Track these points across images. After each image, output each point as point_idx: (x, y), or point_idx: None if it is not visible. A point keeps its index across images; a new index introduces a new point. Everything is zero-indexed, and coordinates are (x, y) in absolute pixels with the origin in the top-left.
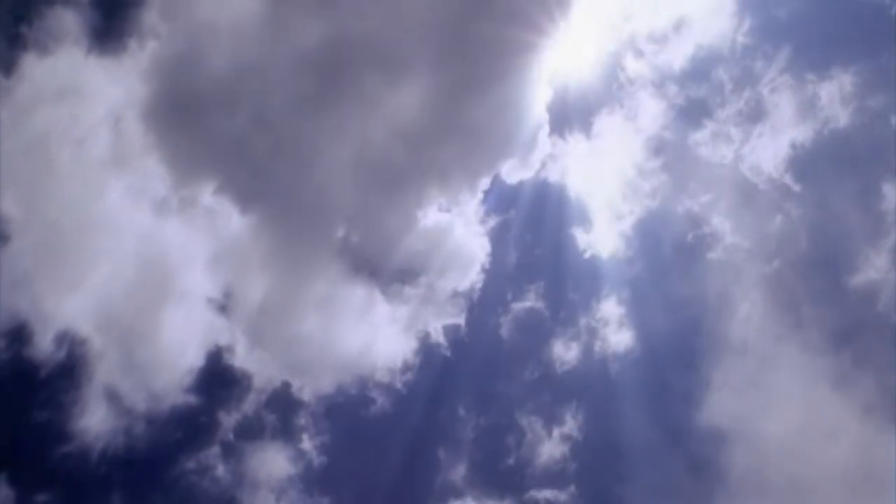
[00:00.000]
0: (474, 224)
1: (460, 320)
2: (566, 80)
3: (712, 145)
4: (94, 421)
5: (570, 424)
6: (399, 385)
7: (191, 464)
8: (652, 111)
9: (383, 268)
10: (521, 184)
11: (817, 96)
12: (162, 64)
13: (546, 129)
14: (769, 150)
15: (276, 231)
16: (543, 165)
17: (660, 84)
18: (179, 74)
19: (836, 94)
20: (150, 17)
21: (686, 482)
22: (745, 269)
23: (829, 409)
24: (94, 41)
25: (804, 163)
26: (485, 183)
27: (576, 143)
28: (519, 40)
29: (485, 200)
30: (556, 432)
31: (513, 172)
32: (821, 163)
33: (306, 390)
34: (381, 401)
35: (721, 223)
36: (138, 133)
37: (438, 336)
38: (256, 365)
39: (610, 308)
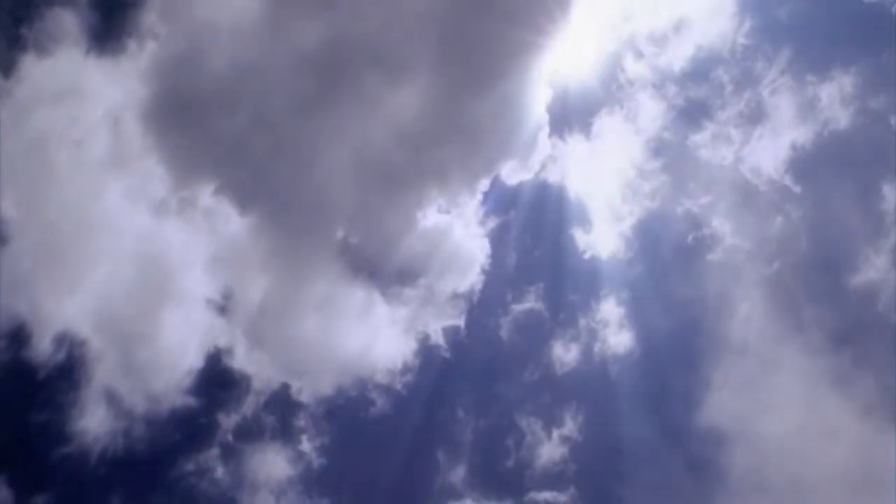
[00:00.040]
0: (474, 225)
1: (460, 322)
2: (566, 80)
3: (712, 146)
4: (93, 422)
5: (570, 426)
6: (398, 386)
7: (190, 465)
8: (652, 112)
9: (383, 269)
10: (520, 185)
11: (817, 97)
12: (161, 65)
13: (546, 129)
14: (769, 151)
15: (276, 232)
16: (543, 166)
17: (660, 85)
18: (179, 75)
19: (836, 96)
20: (150, 17)
21: (686, 483)
22: (746, 270)
23: (829, 410)
24: (93, 42)
25: (804, 164)
26: (484, 184)
27: (575, 144)
28: (519, 40)
29: (484, 201)
30: (555, 434)
31: (512, 173)
32: (821, 164)
33: (306, 392)
34: (380, 402)
35: (721, 224)
36: (137, 134)
37: (438, 337)
38: (256, 366)
39: (610, 309)
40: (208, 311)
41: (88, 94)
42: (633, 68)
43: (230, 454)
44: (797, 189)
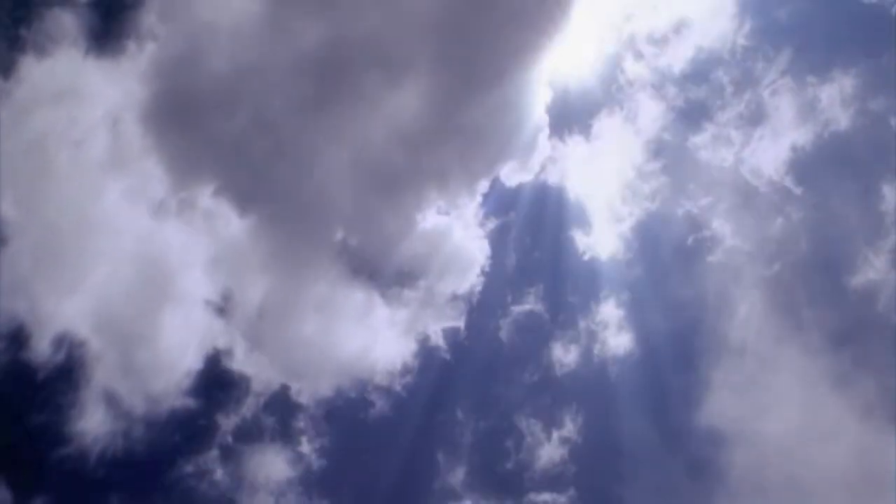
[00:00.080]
0: (473, 227)
1: (460, 323)
2: (566, 81)
3: (712, 148)
4: (92, 423)
5: (570, 427)
6: (398, 388)
7: (189, 467)
8: (652, 113)
9: (382, 271)
10: (520, 186)
11: (818, 98)
12: (160, 65)
13: (546, 131)
14: (770, 152)
15: (275, 233)
16: (543, 167)
17: (660, 86)
18: (178, 76)
19: (836, 97)
20: (149, 18)
21: (686, 484)
22: (746, 271)
23: (828, 410)
24: (92, 43)
25: (805, 165)
26: (484, 185)
27: (575, 146)
28: (519, 41)
29: (484, 203)
30: (555, 435)
31: (512, 175)
32: (821, 165)
33: (305, 393)
34: (380, 404)
35: (721, 226)
36: (137, 135)
37: (438, 339)
38: (255, 368)
39: (609, 310)
40: (208, 313)
41: (88, 94)
42: (633, 69)
43: (229, 455)
44: (797, 190)
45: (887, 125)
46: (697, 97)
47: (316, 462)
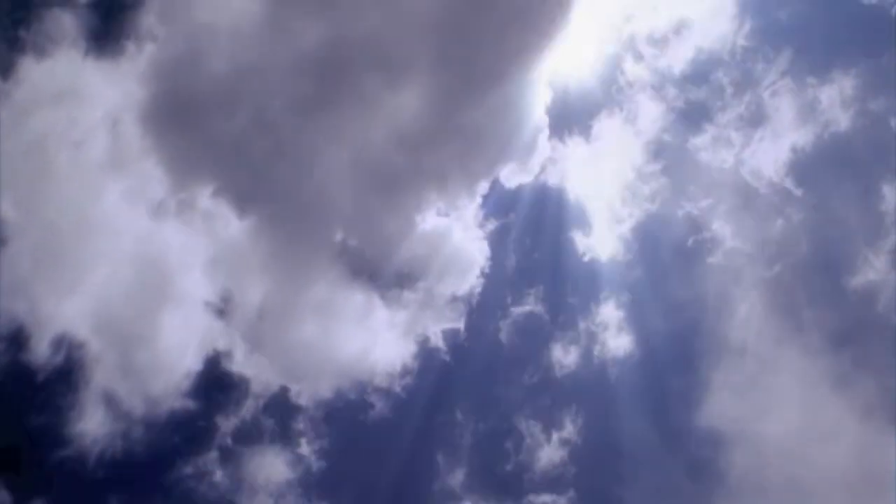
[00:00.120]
0: (473, 228)
1: (459, 325)
2: (566, 82)
3: (712, 149)
4: (91, 425)
5: (570, 429)
6: (398, 390)
7: (189, 468)
8: (652, 114)
9: (382, 272)
10: (520, 187)
11: (818, 99)
12: (160, 66)
13: (545, 132)
14: (770, 153)
15: (275, 234)
16: (543, 169)
17: (660, 87)
18: (177, 77)
19: (836, 98)
20: (148, 19)
21: (686, 486)
22: (746, 273)
23: (828, 411)
24: (91, 44)
25: (805, 166)
26: (484, 187)
27: (575, 147)
28: (519, 42)
29: (484, 204)
30: (555, 436)
31: (512, 176)
32: (822, 166)
33: (305, 395)
34: (379, 405)
35: (721, 227)
36: (136, 136)
37: (437, 340)
38: (254, 369)
39: (609, 312)
40: (207, 314)
41: (87, 95)
42: (633, 70)
43: (229, 457)
44: (798, 192)
45: (887, 126)
46: (697, 98)
47: (315, 464)
